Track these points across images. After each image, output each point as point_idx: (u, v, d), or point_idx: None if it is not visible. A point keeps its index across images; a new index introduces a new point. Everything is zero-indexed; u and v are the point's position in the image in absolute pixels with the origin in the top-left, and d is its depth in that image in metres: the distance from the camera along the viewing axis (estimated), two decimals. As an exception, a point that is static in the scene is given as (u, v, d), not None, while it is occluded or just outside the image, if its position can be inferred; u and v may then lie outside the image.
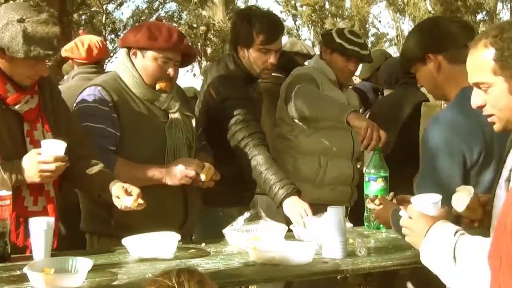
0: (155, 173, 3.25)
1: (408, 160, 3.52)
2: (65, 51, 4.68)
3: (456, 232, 2.10)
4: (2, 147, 2.95)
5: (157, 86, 3.34)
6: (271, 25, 3.61)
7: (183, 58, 3.46)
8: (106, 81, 3.36)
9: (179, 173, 3.23)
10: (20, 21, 2.95)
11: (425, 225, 2.16)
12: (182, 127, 3.45)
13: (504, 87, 2.07)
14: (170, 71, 3.34)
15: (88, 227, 3.45)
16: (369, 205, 3.04)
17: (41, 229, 2.77)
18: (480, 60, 2.10)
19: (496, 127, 2.20)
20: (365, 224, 3.24)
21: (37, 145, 3.01)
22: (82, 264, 2.49)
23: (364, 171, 3.21)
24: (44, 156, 2.89)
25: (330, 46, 3.95)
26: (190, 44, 3.63)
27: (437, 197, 2.22)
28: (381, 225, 3.16)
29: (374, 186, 3.15)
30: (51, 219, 2.84)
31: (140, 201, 2.87)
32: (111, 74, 3.46)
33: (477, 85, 2.15)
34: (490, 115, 2.17)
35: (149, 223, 3.01)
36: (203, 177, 3.23)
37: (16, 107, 3.04)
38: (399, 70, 5.48)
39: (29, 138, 3.08)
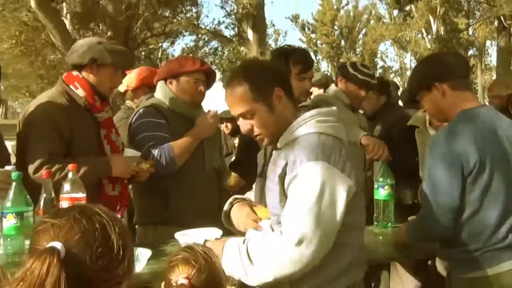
0: (188, 139, 3.36)
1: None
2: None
3: (244, 240, 2.17)
4: (78, 146, 3.05)
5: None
6: (305, 57, 3.60)
7: (208, 79, 3.56)
8: (154, 103, 3.46)
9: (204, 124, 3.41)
10: (99, 43, 3.23)
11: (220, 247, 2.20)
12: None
13: (264, 110, 2.20)
14: (201, 88, 3.48)
15: (143, 220, 3.48)
16: None
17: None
18: (238, 94, 2.20)
19: (265, 142, 2.31)
20: (375, 223, 3.23)
21: (113, 147, 3.26)
22: (143, 253, 2.49)
23: (374, 179, 3.20)
24: (136, 160, 3.19)
25: (345, 76, 3.95)
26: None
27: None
28: (388, 224, 3.17)
29: (382, 192, 3.14)
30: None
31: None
32: (156, 99, 3.53)
33: (242, 115, 2.24)
34: (258, 135, 2.27)
35: (196, 218, 3.05)
36: None
37: (99, 115, 3.22)
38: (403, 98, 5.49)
39: (106, 140, 3.25)
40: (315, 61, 42.56)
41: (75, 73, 3.19)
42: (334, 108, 2.37)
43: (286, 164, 2.13)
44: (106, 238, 1.29)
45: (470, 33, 25.98)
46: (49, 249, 1.21)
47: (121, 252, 1.31)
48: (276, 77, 2.27)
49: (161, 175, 3.27)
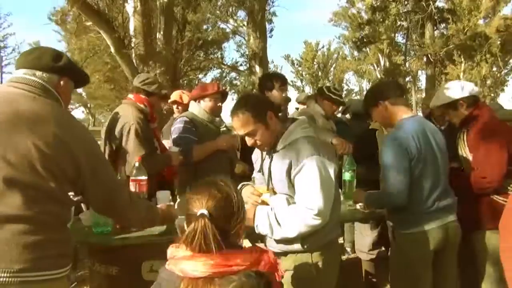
0: (211, 144, 3.34)
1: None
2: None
3: (271, 208, 2.16)
4: (146, 146, 3.09)
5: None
6: (282, 77, 3.72)
7: (223, 97, 3.57)
8: (188, 115, 3.45)
9: (223, 139, 3.39)
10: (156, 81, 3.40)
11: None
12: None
13: (262, 128, 2.16)
14: (219, 104, 3.51)
15: (180, 190, 3.39)
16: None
17: (166, 199, 2.68)
18: (243, 120, 2.15)
19: (265, 149, 2.27)
20: (342, 196, 3.18)
21: (161, 146, 3.42)
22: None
23: (342, 167, 3.17)
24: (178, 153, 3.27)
25: (321, 96, 3.92)
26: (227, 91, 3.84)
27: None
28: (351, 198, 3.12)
29: (347, 174, 3.10)
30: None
31: None
32: (189, 112, 3.52)
33: (247, 134, 2.19)
34: (260, 145, 2.23)
35: None
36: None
37: (155, 125, 3.36)
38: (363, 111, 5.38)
39: (158, 142, 3.38)
40: (301, 86, 42.64)
41: (142, 95, 3.28)
42: (304, 118, 2.34)
43: (291, 162, 2.12)
44: (230, 200, 1.50)
45: (407, 65, 25.74)
46: (201, 215, 1.45)
47: (239, 207, 1.53)
48: (267, 104, 2.24)
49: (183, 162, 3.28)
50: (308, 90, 42.58)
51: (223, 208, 1.48)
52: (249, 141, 2.23)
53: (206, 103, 3.47)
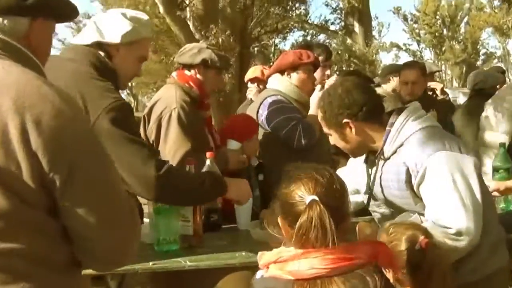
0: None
1: None
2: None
3: None
4: (196, 141, 3.01)
5: None
6: (326, 48, 4.12)
7: (315, 68, 3.68)
8: (277, 94, 3.50)
9: None
10: (208, 47, 3.26)
11: None
12: None
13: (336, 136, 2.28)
14: (314, 78, 3.61)
15: None
16: None
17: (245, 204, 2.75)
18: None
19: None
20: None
21: (215, 141, 3.25)
22: None
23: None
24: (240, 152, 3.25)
25: None
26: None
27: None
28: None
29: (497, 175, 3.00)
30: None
31: None
32: (275, 90, 3.56)
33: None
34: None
35: None
36: None
37: (205, 112, 3.27)
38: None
39: (211, 135, 3.24)
40: (418, 50, 41.45)
41: (188, 72, 3.19)
42: (416, 103, 2.32)
43: (408, 169, 2.11)
44: (337, 185, 1.61)
45: None
46: (313, 201, 1.53)
47: (345, 194, 1.64)
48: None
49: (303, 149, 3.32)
50: (429, 56, 41.36)
51: (333, 193, 1.59)
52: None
53: (300, 76, 3.52)
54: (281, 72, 3.57)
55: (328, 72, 3.86)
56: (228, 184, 2.50)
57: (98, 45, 2.43)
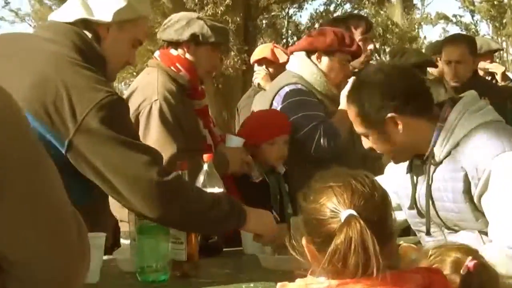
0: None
1: None
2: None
3: None
4: (186, 137, 3.06)
5: None
6: (363, 19, 4.27)
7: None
8: (298, 81, 3.49)
9: None
10: (199, 18, 3.22)
11: None
12: None
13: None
14: (347, 72, 3.53)
15: None
16: None
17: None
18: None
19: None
20: None
21: (214, 138, 3.28)
22: None
23: None
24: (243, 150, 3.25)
25: None
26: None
27: None
28: None
29: None
30: None
31: None
32: (297, 76, 3.54)
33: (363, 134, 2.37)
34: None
35: None
36: None
37: (200, 101, 3.26)
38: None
39: (207, 130, 3.26)
40: (472, 23, 41.53)
41: (174, 52, 3.20)
42: (473, 92, 2.32)
43: (466, 175, 2.12)
44: (374, 193, 1.58)
45: None
46: (350, 216, 1.49)
47: (389, 207, 1.63)
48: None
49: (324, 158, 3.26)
50: (486, 30, 41.39)
51: (375, 207, 1.56)
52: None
53: (333, 63, 3.48)
54: (310, 52, 3.53)
55: (371, 46, 3.88)
56: (247, 213, 2.46)
57: (84, 23, 2.41)
